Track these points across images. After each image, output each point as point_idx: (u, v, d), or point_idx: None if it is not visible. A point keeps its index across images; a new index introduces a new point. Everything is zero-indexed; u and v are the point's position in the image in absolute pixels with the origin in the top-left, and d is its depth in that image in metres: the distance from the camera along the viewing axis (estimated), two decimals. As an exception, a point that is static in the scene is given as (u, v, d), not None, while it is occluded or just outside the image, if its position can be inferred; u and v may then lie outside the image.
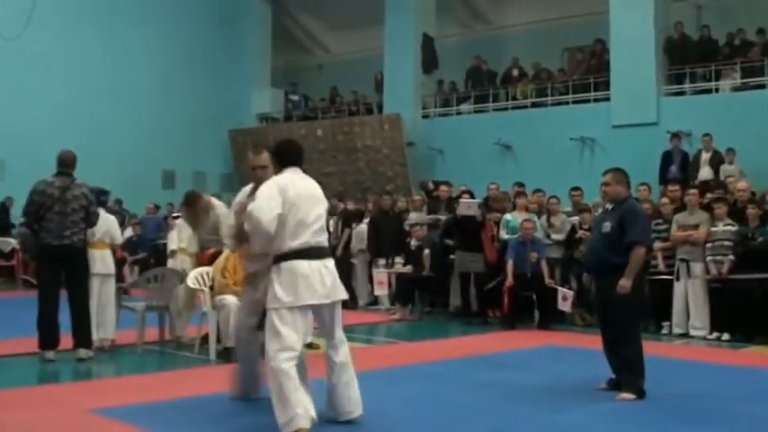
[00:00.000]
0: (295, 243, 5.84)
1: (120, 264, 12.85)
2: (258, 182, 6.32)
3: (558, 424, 6.38)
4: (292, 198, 5.84)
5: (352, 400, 6.12)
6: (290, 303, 5.78)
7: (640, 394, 7.07)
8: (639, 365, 7.20)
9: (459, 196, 13.62)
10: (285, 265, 5.83)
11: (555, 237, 12.92)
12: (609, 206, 7.68)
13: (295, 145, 6.33)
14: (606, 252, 7.31)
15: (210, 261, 10.86)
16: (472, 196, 13.34)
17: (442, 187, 15.57)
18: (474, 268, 12.75)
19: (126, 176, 20.40)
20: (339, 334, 6.15)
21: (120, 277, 12.36)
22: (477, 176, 17.02)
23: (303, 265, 5.82)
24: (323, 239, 6.07)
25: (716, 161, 15.32)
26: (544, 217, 13.23)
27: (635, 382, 7.12)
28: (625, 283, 7.10)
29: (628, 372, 7.18)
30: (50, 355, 8.74)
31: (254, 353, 6.67)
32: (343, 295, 6.17)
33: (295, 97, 25.47)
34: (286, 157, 6.15)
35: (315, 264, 5.88)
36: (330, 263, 6.03)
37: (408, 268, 13.74)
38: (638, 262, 7.23)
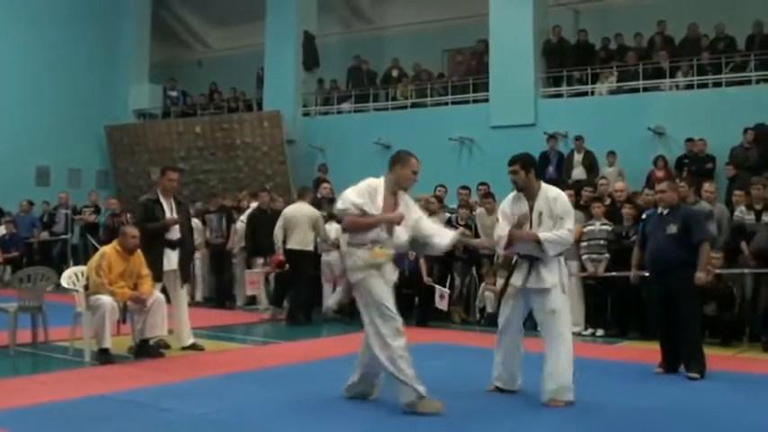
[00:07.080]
0: None
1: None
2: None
3: (432, 420, 6.33)
4: None
5: None
6: None
7: (702, 374, 8.06)
8: (701, 348, 8.28)
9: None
10: None
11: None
12: (663, 211, 8.52)
13: None
14: (674, 250, 8.24)
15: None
16: None
17: (324, 185, 15.48)
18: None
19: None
20: None
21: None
22: (356, 175, 16.61)
23: None
24: None
25: (588, 162, 15.70)
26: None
27: (701, 361, 8.15)
28: (702, 275, 8.19)
29: (695, 352, 8.17)
30: None
31: None
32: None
33: (174, 93, 24.79)
34: None
35: None
36: None
37: (286, 267, 13.54)
38: (707, 256, 8.50)
